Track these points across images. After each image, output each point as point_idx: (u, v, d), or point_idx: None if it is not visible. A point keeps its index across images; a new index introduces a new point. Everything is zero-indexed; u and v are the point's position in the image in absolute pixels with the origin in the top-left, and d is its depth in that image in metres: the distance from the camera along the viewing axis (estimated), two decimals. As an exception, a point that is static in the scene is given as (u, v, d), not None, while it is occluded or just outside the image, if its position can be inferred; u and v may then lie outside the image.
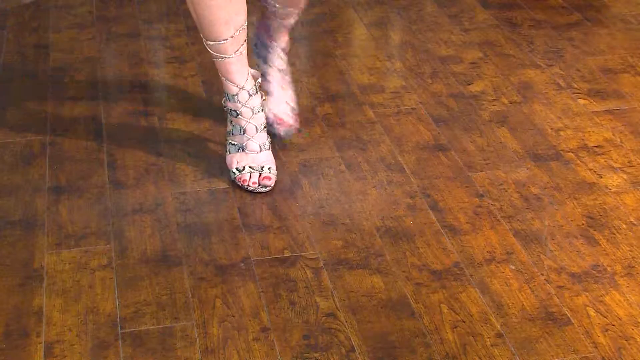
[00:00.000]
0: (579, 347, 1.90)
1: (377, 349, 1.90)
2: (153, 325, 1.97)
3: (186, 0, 2.31)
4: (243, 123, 2.41)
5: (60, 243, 2.22)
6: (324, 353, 1.89)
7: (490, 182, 2.44)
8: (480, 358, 1.88)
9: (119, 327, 1.96)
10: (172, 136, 2.66)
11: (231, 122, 2.44)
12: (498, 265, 2.14)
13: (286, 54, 2.68)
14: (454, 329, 1.95)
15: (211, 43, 2.33)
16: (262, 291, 2.07)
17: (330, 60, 3.11)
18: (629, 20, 3.37)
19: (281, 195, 2.40)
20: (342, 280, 2.10)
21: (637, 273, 2.11)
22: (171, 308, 2.02)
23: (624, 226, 2.26)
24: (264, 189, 2.39)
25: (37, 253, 2.19)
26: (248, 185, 2.39)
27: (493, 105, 2.81)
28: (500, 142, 2.62)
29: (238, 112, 2.41)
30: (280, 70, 2.67)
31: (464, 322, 1.97)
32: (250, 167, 2.41)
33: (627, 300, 2.03)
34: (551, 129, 2.68)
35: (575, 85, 2.92)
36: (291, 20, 2.60)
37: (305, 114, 2.75)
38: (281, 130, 2.62)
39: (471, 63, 3.08)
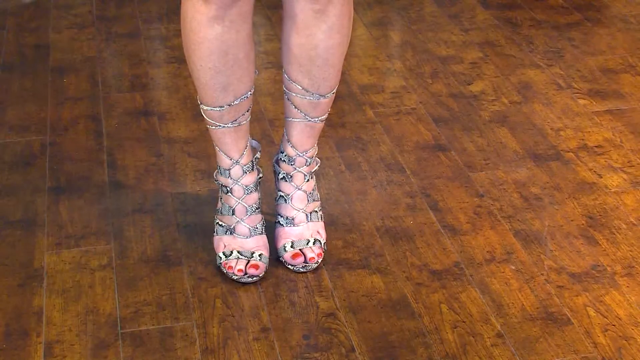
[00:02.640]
0: (579, 347, 1.90)
1: (377, 349, 1.90)
2: (153, 325, 1.97)
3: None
4: (233, 202, 2.10)
5: (60, 243, 2.22)
6: (324, 353, 1.89)
7: (490, 182, 2.44)
8: (480, 358, 1.88)
9: (119, 327, 1.96)
10: (172, 136, 2.66)
11: (221, 199, 2.14)
12: (498, 265, 2.14)
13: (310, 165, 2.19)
14: (454, 329, 1.95)
15: (205, 107, 2.02)
16: (262, 291, 2.06)
17: (330, 60, 3.11)
18: (629, 20, 3.36)
19: (281, 195, 2.40)
20: (342, 280, 2.10)
21: (637, 273, 2.11)
22: (171, 308, 2.02)
23: (624, 226, 2.26)
24: (250, 279, 2.08)
25: (37, 253, 2.19)
26: (233, 273, 2.08)
27: (493, 105, 2.81)
28: (500, 142, 2.61)
29: (229, 189, 2.10)
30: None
31: (464, 322, 1.97)
32: (238, 252, 2.10)
33: (627, 300, 2.03)
34: (551, 129, 2.68)
35: (575, 85, 2.91)
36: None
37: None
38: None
39: (471, 63, 3.08)
